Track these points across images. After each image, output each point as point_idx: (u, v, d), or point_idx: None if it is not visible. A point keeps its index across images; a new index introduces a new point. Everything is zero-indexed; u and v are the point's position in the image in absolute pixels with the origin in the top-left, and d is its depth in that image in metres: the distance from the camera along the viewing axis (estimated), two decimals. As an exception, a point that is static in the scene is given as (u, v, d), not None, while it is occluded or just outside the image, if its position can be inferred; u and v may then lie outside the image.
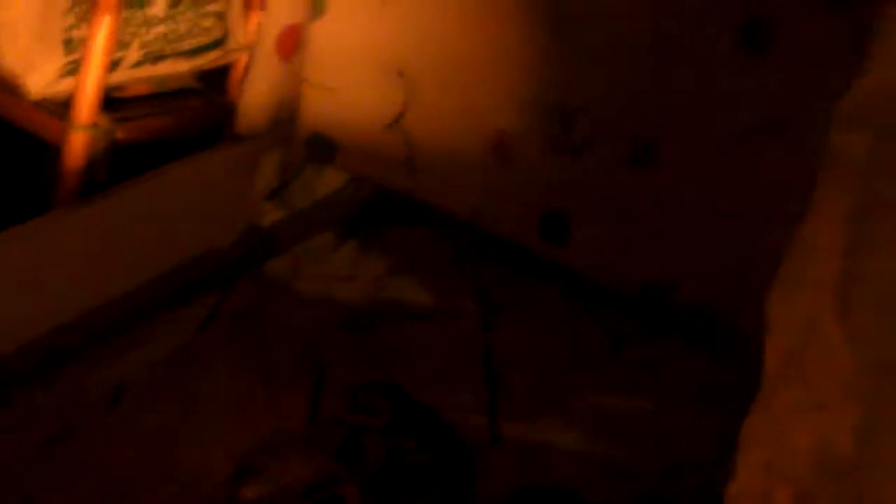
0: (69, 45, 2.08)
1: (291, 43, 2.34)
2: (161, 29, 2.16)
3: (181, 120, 2.31)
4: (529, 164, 2.31)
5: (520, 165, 2.32)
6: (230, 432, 2.11)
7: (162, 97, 2.31)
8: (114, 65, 2.11)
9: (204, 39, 2.25)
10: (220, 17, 2.26)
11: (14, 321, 1.99)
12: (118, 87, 2.21)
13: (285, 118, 2.42)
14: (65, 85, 2.08)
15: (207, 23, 2.25)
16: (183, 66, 2.26)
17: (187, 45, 2.22)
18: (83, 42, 2.04)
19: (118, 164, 2.25)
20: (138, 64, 2.16)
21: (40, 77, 2.06)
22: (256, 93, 2.35)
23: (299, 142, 2.46)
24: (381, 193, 2.60)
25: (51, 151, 2.17)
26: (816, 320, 0.87)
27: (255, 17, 2.31)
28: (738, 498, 1.02)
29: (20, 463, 1.92)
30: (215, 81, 2.40)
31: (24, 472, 1.91)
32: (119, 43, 2.08)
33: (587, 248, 2.32)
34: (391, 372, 2.25)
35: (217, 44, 2.28)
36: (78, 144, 2.11)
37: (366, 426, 2.16)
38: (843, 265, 0.89)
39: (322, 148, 2.46)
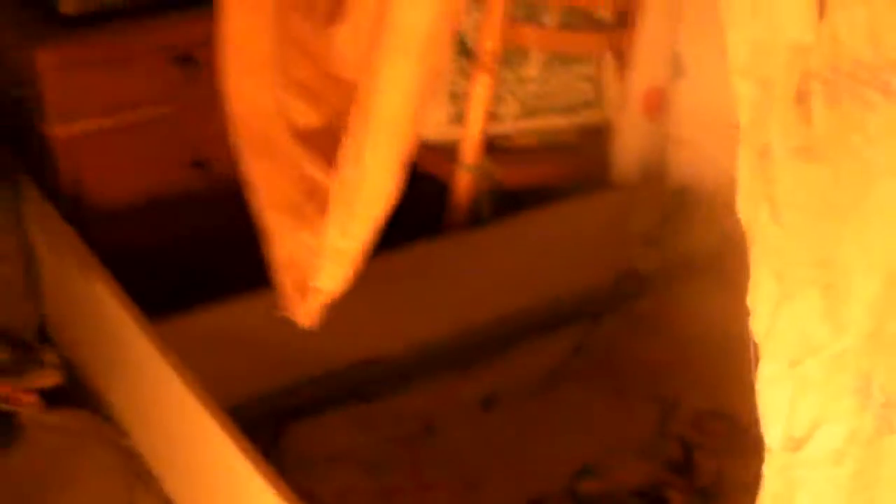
0: (454, 97, 2.48)
1: (656, 102, 2.61)
2: (535, 87, 2.51)
3: (560, 169, 2.62)
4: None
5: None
6: (580, 441, 2.37)
7: (545, 149, 2.64)
8: (495, 116, 2.48)
9: (577, 98, 2.58)
10: (591, 78, 2.58)
11: (398, 327, 2.35)
12: (504, 137, 2.57)
13: (654, 171, 2.68)
14: (452, 131, 2.47)
15: (580, 84, 2.57)
16: (559, 122, 2.59)
17: (561, 102, 2.56)
18: (466, 95, 2.43)
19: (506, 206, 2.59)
20: (516, 117, 2.52)
21: (432, 123, 2.46)
22: (626, 147, 2.63)
23: (669, 193, 2.70)
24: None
25: (442, 189, 2.55)
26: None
27: (624, 80, 2.60)
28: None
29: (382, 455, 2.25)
30: (592, 137, 2.70)
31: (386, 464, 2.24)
32: (497, 97, 2.45)
33: None
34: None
35: (590, 103, 2.60)
36: (463, 183, 2.48)
37: (700, 444, 2.34)
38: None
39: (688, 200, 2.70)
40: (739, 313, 2.54)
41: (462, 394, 2.43)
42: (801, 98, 0.93)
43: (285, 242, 1.77)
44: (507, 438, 2.36)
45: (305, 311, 1.75)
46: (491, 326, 2.51)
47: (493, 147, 2.51)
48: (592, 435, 2.38)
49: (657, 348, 2.62)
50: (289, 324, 1.84)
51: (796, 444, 0.96)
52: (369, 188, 1.51)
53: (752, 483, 1.08)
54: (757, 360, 0.97)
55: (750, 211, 0.97)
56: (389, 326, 2.31)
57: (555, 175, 2.61)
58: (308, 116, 1.75)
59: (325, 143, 1.70)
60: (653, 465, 2.30)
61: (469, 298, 2.42)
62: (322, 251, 1.61)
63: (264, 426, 2.14)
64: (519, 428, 2.39)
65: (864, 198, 0.90)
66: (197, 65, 2.28)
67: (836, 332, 0.93)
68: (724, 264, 2.54)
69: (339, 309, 1.77)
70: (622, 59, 2.53)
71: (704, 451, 2.33)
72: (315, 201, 1.71)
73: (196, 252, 2.35)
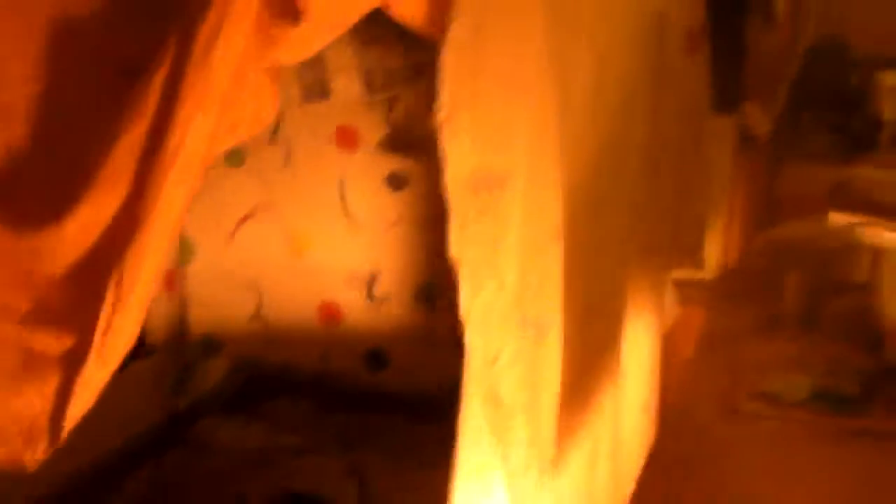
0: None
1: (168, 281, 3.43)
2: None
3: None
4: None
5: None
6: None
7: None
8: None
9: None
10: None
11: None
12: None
13: (175, 331, 3.48)
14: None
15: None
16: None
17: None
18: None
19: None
20: None
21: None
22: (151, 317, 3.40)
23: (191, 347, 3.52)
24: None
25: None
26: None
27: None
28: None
29: None
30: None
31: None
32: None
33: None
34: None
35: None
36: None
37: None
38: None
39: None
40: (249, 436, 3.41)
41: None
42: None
43: (10, 403, 2.34)
44: None
45: (34, 453, 2.33)
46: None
47: None
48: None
49: (215, 465, 3.41)
50: None
51: (491, 362, 1.87)
52: (128, 328, 2.18)
53: None
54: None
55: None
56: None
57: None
58: (16, 303, 2.36)
59: (38, 319, 2.32)
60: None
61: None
62: (74, 386, 2.23)
63: None
64: None
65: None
66: None
67: (499, 291, 1.84)
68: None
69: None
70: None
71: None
72: (38, 362, 2.30)
73: None
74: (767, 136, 4.20)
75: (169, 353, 3.34)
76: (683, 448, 2.20)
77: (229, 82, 2.00)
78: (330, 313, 3.42)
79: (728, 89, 3.76)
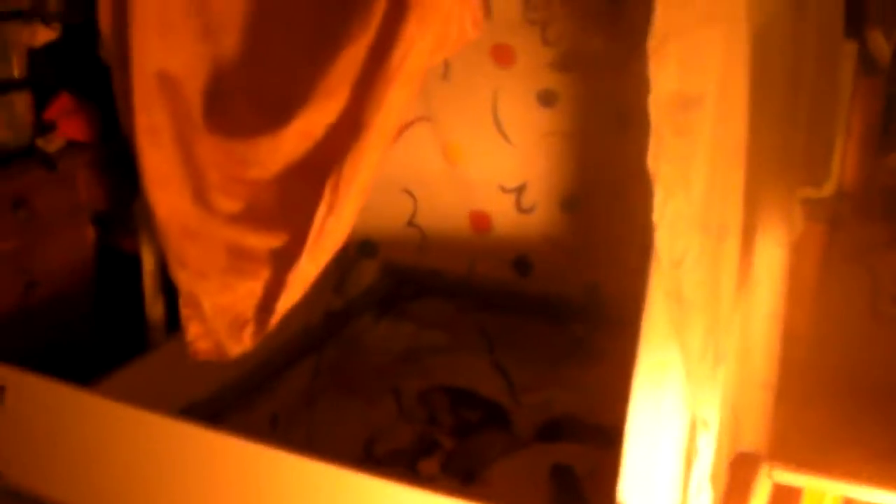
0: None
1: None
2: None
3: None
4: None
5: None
6: (359, 427, 3.31)
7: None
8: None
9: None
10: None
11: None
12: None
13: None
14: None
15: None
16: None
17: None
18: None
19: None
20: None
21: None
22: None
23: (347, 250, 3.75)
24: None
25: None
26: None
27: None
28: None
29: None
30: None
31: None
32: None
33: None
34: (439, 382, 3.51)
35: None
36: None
37: (433, 405, 3.40)
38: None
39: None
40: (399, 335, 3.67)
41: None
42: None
43: (218, 297, 2.60)
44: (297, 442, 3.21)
45: (240, 342, 2.59)
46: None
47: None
48: (366, 422, 3.31)
49: (370, 361, 3.66)
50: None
51: (677, 263, 2.08)
52: (340, 229, 2.42)
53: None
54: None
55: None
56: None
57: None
58: (227, 205, 2.61)
59: (248, 219, 2.57)
60: (415, 426, 3.31)
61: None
62: (287, 281, 2.48)
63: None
64: (305, 435, 3.24)
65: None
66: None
67: (688, 200, 2.04)
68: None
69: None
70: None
71: (438, 409, 3.39)
72: (249, 259, 2.57)
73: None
74: (887, 64, 4.28)
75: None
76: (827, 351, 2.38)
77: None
78: (480, 221, 3.62)
79: (855, 14, 3.85)
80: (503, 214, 3.59)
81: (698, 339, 2.05)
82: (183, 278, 2.55)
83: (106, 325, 3.28)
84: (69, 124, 3.17)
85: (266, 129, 2.42)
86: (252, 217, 2.50)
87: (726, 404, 2.49)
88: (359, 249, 3.76)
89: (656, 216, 1.99)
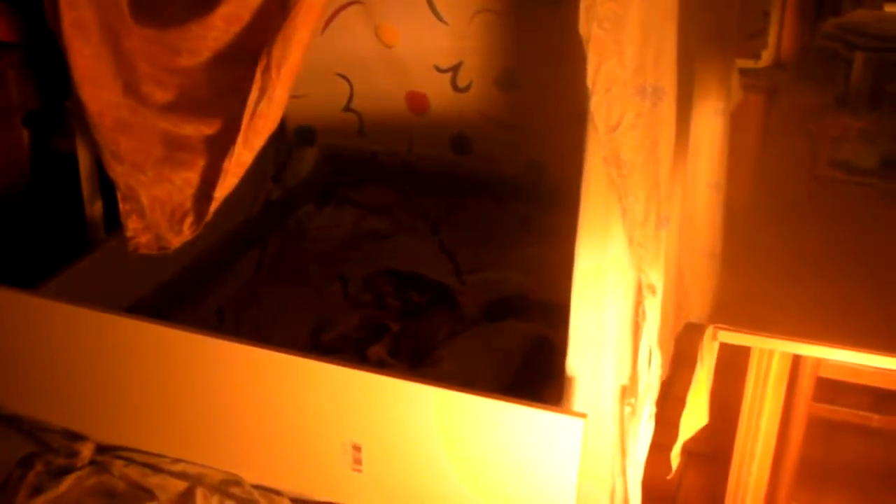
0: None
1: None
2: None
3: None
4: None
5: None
6: (305, 316, 3.31)
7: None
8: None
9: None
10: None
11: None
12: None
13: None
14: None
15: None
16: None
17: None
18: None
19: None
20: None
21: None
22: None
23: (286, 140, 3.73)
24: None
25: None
26: None
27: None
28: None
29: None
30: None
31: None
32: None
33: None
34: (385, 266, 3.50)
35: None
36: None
37: (378, 290, 3.40)
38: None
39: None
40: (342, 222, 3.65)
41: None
42: None
43: (155, 189, 2.58)
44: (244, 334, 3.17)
45: (180, 234, 2.58)
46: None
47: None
48: (313, 310, 3.31)
49: (314, 249, 3.65)
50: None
51: (613, 128, 2.07)
52: (273, 112, 2.39)
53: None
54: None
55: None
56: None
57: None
58: (159, 96, 2.57)
59: (181, 108, 2.54)
60: (362, 311, 3.31)
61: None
62: (223, 168, 2.46)
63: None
64: (252, 326, 3.23)
65: None
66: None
67: (621, 64, 2.03)
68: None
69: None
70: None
71: (384, 294, 3.39)
72: (184, 149, 2.54)
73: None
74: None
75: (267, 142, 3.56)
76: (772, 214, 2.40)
77: None
78: (416, 102, 3.60)
79: None
80: (439, 94, 3.57)
81: (640, 203, 2.05)
82: (119, 172, 2.52)
83: (44, 227, 3.22)
84: (-8, 25, 3.08)
85: (193, 16, 2.38)
86: (185, 106, 2.47)
87: (671, 271, 2.51)
88: (296, 136, 3.72)
89: (590, 81, 1.98)
